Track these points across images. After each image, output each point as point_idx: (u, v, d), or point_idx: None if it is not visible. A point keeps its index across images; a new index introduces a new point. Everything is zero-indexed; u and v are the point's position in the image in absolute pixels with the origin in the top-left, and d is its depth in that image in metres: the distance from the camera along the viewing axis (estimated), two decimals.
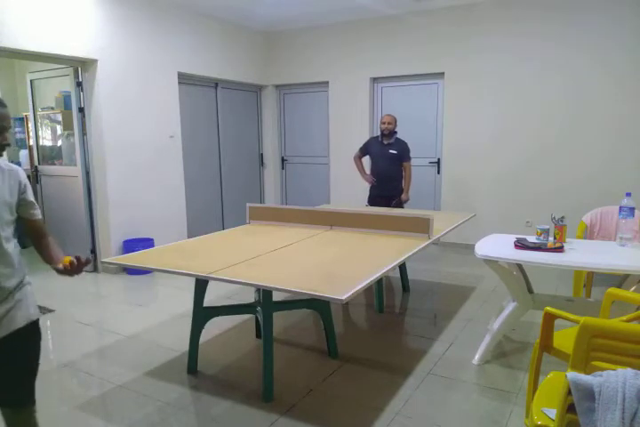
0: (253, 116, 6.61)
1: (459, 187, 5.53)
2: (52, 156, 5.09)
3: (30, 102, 5.14)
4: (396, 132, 4.78)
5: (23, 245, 1.63)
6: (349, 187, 6.13)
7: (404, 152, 4.74)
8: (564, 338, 2.05)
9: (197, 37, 5.44)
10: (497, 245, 2.80)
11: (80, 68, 4.51)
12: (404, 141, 4.78)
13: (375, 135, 5.06)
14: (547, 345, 2.05)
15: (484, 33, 5.16)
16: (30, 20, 3.88)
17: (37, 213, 1.67)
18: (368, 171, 5.11)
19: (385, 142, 4.75)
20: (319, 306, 2.84)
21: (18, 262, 1.59)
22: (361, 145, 4.99)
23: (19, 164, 6.23)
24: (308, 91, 6.45)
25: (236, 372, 2.75)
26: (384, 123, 4.72)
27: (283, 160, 6.81)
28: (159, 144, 5.07)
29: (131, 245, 4.61)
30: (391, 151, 4.74)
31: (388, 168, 4.79)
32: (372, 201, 4.90)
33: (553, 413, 1.54)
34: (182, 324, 3.41)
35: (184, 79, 5.38)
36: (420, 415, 2.29)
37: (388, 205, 4.68)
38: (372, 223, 3.25)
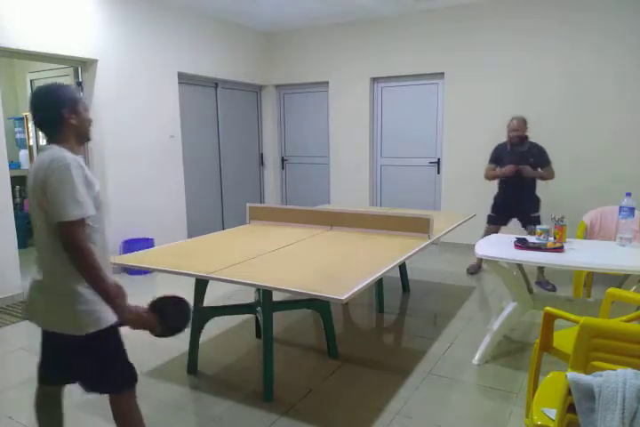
0: (253, 116, 6.61)
1: (459, 187, 5.53)
2: None
3: None
4: (527, 137, 4.10)
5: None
6: (349, 187, 6.13)
7: (541, 159, 4.06)
8: (564, 338, 2.05)
9: (197, 37, 5.43)
10: (497, 245, 2.80)
11: (80, 68, 4.50)
12: (539, 146, 4.12)
13: (502, 142, 4.28)
14: (547, 345, 2.05)
15: (484, 33, 5.16)
16: (31, 20, 3.88)
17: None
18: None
19: (515, 151, 4.06)
20: (319, 306, 2.84)
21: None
22: (489, 156, 4.31)
23: (18, 164, 6.24)
24: (307, 91, 6.45)
25: (236, 372, 2.75)
26: (513, 130, 3.99)
27: (283, 160, 6.81)
28: (159, 144, 5.06)
29: (131, 245, 4.60)
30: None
31: (522, 181, 4.12)
32: (498, 211, 4.39)
33: (553, 413, 1.55)
34: None
35: (184, 79, 5.37)
36: (420, 415, 2.29)
37: (520, 217, 4.24)
38: (372, 223, 3.25)
